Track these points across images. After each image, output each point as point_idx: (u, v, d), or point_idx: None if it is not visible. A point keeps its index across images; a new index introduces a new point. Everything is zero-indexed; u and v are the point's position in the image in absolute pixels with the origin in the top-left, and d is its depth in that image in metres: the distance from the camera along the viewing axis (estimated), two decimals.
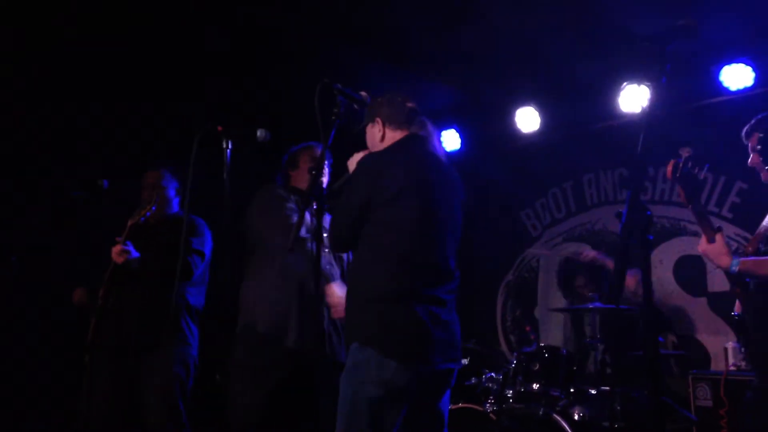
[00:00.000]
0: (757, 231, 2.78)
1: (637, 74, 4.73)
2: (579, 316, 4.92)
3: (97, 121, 4.77)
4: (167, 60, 4.59)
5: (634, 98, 4.82)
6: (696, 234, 4.68)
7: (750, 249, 2.72)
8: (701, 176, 2.60)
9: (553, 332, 5.48)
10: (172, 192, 3.83)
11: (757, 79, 4.50)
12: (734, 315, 2.80)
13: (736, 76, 4.54)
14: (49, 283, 4.45)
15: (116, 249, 3.43)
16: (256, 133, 2.95)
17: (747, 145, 2.87)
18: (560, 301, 5.52)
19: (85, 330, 3.62)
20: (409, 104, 2.75)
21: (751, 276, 2.63)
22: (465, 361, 4.42)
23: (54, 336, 4.49)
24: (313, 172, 2.32)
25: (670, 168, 2.56)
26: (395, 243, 2.46)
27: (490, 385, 4.12)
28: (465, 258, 2.90)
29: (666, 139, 2.62)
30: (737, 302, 2.88)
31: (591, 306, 4.08)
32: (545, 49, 4.66)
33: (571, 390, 3.89)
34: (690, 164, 2.54)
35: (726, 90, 4.61)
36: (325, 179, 3.24)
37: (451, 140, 5.88)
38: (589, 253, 4.70)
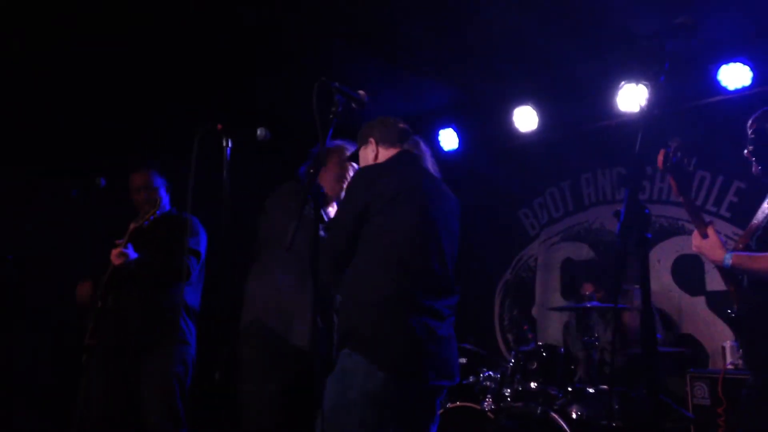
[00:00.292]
0: (748, 227, 2.78)
1: (635, 73, 4.74)
2: (577, 314, 4.93)
3: (95, 119, 4.77)
4: (167, 59, 4.59)
5: (632, 97, 4.82)
6: None
7: (740, 245, 2.73)
8: (690, 168, 2.60)
9: (551, 331, 5.48)
10: (162, 191, 3.84)
11: (754, 78, 4.51)
12: (730, 312, 2.80)
13: (734, 76, 4.54)
14: (46, 282, 4.45)
15: (115, 251, 3.43)
16: (256, 132, 2.95)
17: (748, 132, 2.88)
18: (559, 301, 5.53)
19: (83, 330, 3.63)
20: (401, 125, 2.78)
21: (743, 270, 2.63)
22: (463, 360, 4.42)
23: (51, 336, 4.49)
24: (311, 171, 2.31)
25: (660, 158, 2.56)
26: (391, 248, 2.43)
27: (488, 383, 4.12)
28: (463, 257, 2.89)
29: (663, 139, 2.62)
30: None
31: (589, 305, 4.09)
32: (543, 49, 4.67)
33: (569, 389, 3.90)
34: (679, 154, 2.54)
35: (724, 89, 4.61)
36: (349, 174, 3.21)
37: (449, 139, 5.89)
38: None
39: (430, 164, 2.78)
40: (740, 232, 3.59)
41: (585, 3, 4.15)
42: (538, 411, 3.78)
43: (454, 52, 4.82)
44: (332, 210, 3.27)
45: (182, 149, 3.03)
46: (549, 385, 3.93)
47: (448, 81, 5.31)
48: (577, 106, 5.32)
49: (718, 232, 2.71)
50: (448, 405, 4.09)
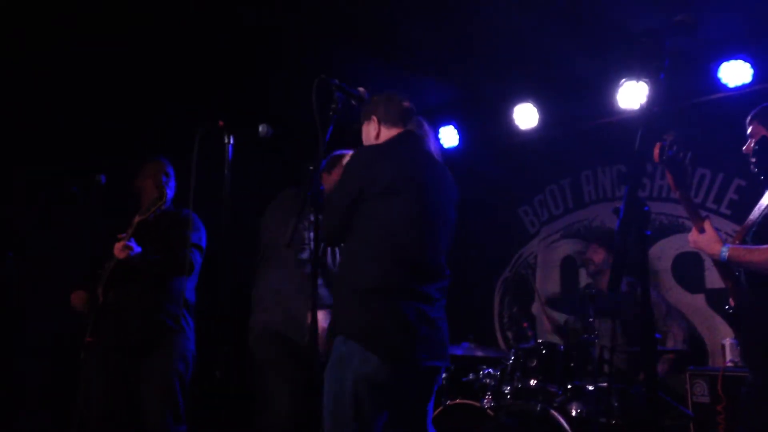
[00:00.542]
0: (744, 224, 2.79)
1: (635, 71, 4.73)
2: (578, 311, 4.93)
3: (96, 118, 4.77)
4: (167, 59, 4.59)
5: (632, 95, 4.82)
6: None
7: (736, 241, 2.73)
8: (687, 161, 2.60)
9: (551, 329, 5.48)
10: (171, 184, 3.84)
11: (755, 75, 4.50)
12: (727, 309, 2.80)
13: (735, 73, 4.54)
14: (45, 278, 4.45)
15: (119, 245, 3.41)
16: (258, 129, 2.95)
17: (747, 130, 2.88)
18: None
19: (83, 327, 3.62)
20: (406, 103, 2.75)
21: (739, 263, 2.63)
22: (465, 347, 4.40)
23: (51, 333, 4.49)
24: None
25: (656, 151, 2.56)
26: (385, 236, 2.45)
27: (488, 381, 4.13)
28: (462, 254, 2.91)
29: (676, 132, 2.61)
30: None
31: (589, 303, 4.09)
32: (544, 46, 4.66)
33: (569, 386, 3.90)
34: (675, 147, 2.54)
35: (724, 87, 4.61)
36: None
37: (449, 137, 5.88)
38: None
39: (433, 145, 2.75)
40: (740, 229, 3.59)
41: (585, 0, 4.15)
42: (538, 408, 3.79)
43: (454, 50, 4.82)
44: None
45: (183, 148, 3.03)
46: (548, 382, 3.94)
47: (448, 79, 5.30)
48: (578, 104, 5.32)
49: (717, 229, 2.71)
50: (448, 402, 4.10)
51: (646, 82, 4.66)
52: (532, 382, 3.96)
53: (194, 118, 3.01)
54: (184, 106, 4.72)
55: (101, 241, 3.84)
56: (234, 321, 3.35)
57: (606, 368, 4.05)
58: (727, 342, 4.08)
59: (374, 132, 2.73)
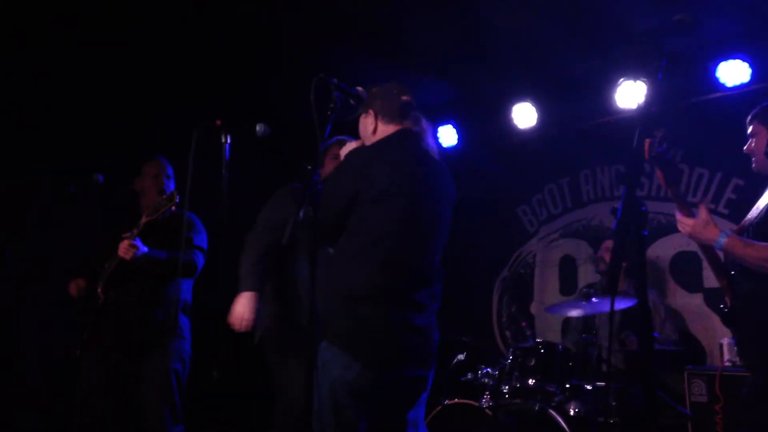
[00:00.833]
0: (741, 223, 2.78)
1: (633, 70, 4.74)
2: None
3: (95, 116, 4.77)
4: (166, 56, 4.59)
5: (630, 94, 4.82)
6: None
7: None
8: (677, 159, 2.58)
9: (549, 328, 5.49)
10: (173, 185, 3.84)
11: (753, 75, 4.50)
12: (722, 308, 2.79)
13: (733, 73, 4.54)
14: (43, 277, 4.45)
15: (124, 244, 3.40)
16: (255, 128, 2.95)
17: (748, 129, 2.87)
18: (557, 297, 5.53)
19: (81, 326, 3.62)
20: (405, 97, 2.68)
21: (734, 254, 2.60)
22: (461, 356, 4.43)
23: (49, 331, 4.49)
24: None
25: (646, 147, 2.55)
26: (376, 242, 2.41)
27: (486, 380, 4.13)
28: (461, 254, 2.91)
29: (666, 129, 2.61)
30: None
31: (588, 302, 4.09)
32: (542, 45, 4.67)
33: (567, 385, 3.90)
34: (665, 145, 2.52)
35: (722, 86, 4.61)
36: None
37: (448, 136, 5.88)
38: None
39: (431, 142, 2.70)
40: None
41: (584, 0, 4.15)
42: (536, 408, 3.79)
43: (453, 50, 4.82)
44: None
45: (181, 147, 3.03)
46: (547, 381, 3.94)
47: (447, 78, 5.31)
48: (576, 104, 5.32)
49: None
50: (446, 402, 4.10)
51: (644, 81, 4.67)
52: (531, 382, 3.96)
53: (193, 117, 3.01)
54: (183, 106, 4.73)
55: (99, 240, 3.84)
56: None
57: (604, 367, 4.05)
58: (725, 342, 4.09)
59: (371, 126, 2.67)
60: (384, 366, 2.39)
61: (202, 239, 3.73)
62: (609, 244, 4.84)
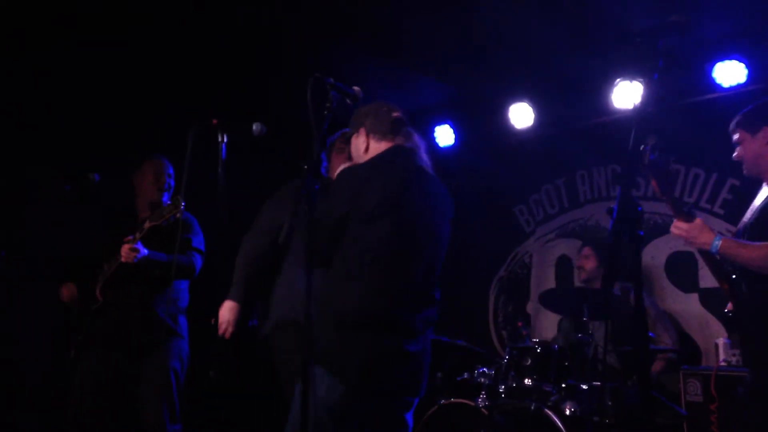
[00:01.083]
0: (737, 228, 2.80)
1: (630, 71, 4.74)
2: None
3: (93, 115, 4.76)
4: (163, 55, 4.58)
5: (627, 95, 4.83)
6: None
7: None
8: (669, 165, 2.60)
9: (546, 328, 5.50)
10: (173, 183, 3.83)
11: (749, 75, 4.51)
12: (727, 312, 2.80)
13: (729, 73, 4.54)
14: (39, 278, 4.44)
15: (125, 249, 3.39)
16: (251, 127, 2.95)
17: (732, 138, 2.90)
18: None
19: (78, 327, 3.62)
20: (395, 114, 2.66)
21: (730, 256, 2.62)
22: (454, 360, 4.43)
23: (44, 331, 4.48)
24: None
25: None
26: (369, 264, 2.37)
27: (482, 380, 4.13)
28: (458, 254, 2.90)
29: (658, 136, 2.62)
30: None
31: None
32: (539, 45, 4.67)
33: (563, 385, 3.91)
34: (657, 153, 2.54)
35: (719, 87, 4.61)
36: None
37: (445, 136, 5.89)
38: None
39: (424, 157, 2.66)
40: (733, 228, 3.63)
41: (581, 1, 4.15)
42: (532, 407, 3.79)
43: (451, 50, 4.82)
44: None
45: (179, 147, 3.03)
46: (543, 381, 3.94)
47: (445, 78, 5.31)
48: (573, 104, 5.32)
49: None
50: (442, 401, 4.10)
51: (640, 82, 4.67)
52: (527, 381, 3.96)
53: (190, 116, 3.01)
54: (180, 105, 4.71)
55: (97, 239, 3.84)
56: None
57: (600, 367, 4.06)
58: (720, 341, 4.10)
59: (363, 145, 2.65)
60: (368, 391, 2.36)
61: (200, 241, 3.74)
62: (587, 251, 4.84)
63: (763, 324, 2.61)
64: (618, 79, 4.83)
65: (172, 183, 3.82)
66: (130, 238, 3.42)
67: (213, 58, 4.66)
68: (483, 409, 3.90)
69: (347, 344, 2.33)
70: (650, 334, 4.31)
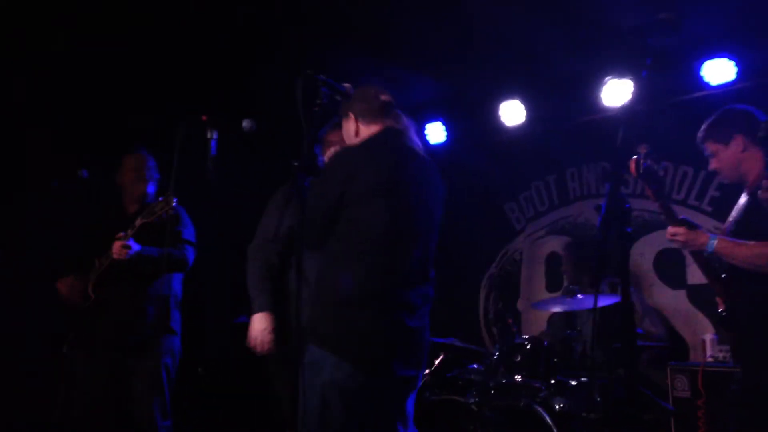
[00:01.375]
0: (724, 225, 2.83)
1: (620, 68, 4.76)
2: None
3: (77, 110, 4.73)
4: (151, 51, 4.56)
5: (617, 92, 4.85)
6: None
7: None
8: (660, 172, 2.65)
9: (536, 324, 5.52)
10: (156, 175, 3.82)
11: (738, 73, 4.53)
12: (720, 312, 2.82)
13: (718, 71, 4.56)
14: (27, 275, 4.42)
15: (117, 246, 3.39)
16: (241, 124, 2.94)
17: (705, 151, 2.93)
18: (544, 294, 5.56)
19: (70, 323, 3.61)
20: (383, 97, 2.67)
21: (725, 256, 2.65)
22: (445, 356, 4.44)
23: (34, 328, 4.46)
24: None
25: (633, 165, 2.60)
26: (364, 243, 2.41)
27: (473, 376, 4.15)
28: (448, 251, 2.91)
29: (647, 134, 2.65)
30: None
31: (573, 299, 4.12)
32: (531, 44, 4.68)
33: (552, 381, 3.93)
34: (649, 161, 2.58)
35: (707, 85, 4.64)
36: None
37: (436, 133, 5.90)
38: None
39: (415, 139, 2.68)
40: (721, 225, 3.67)
41: None
42: (522, 404, 3.81)
43: (442, 47, 4.83)
44: None
45: (170, 143, 3.02)
46: (532, 377, 3.96)
47: (436, 75, 5.31)
48: (564, 101, 5.34)
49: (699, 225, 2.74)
50: (433, 398, 4.11)
51: (630, 79, 4.70)
52: (517, 378, 3.98)
53: (181, 113, 3.00)
54: (172, 102, 4.69)
55: (87, 235, 3.82)
56: (218, 317, 3.35)
57: (589, 363, 4.08)
58: (708, 337, 4.13)
59: (353, 129, 2.67)
60: (374, 367, 2.39)
61: (190, 232, 3.74)
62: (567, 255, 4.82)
63: (755, 322, 2.64)
64: (608, 77, 4.85)
65: (155, 174, 3.81)
66: (122, 234, 3.41)
67: (204, 55, 4.65)
68: (473, 406, 3.91)
69: (348, 324, 2.37)
70: (638, 330, 4.34)
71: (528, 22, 4.42)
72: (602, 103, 4.98)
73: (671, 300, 4.89)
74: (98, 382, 3.51)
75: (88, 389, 3.51)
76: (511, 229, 5.91)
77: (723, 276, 2.77)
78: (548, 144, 5.58)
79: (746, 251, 2.59)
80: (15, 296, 4.52)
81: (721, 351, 4.01)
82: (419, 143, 2.69)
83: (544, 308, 4.90)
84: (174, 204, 3.34)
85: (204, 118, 2.92)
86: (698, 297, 4.69)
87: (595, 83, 4.98)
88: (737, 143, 2.81)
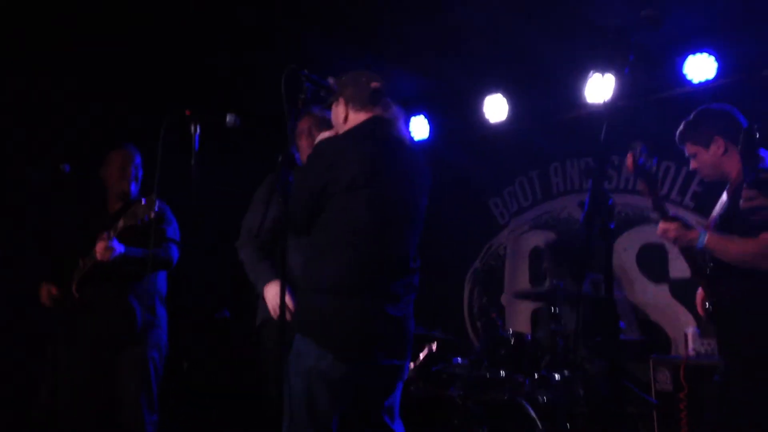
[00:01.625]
0: (708, 219, 2.85)
1: (602, 64, 4.78)
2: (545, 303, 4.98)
3: (59, 104, 4.68)
4: (134, 45, 4.52)
5: (600, 88, 4.88)
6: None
7: None
8: (654, 168, 2.67)
9: (520, 319, 5.55)
10: (141, 173, 3.78)
11: (719, 70, 4.57)
12: (707, 307, 2.84)
13: (699, 68, 4.59)
14: (9, 272, 4.37)
15: (101, 247, 3.35)
16: (225, 118, 2.93)
17: (685, 152, 2.95)
18: (528, 289, 5.58)
19: (53, 321, 3.58)
20: (374, 84, 2.65)
21: (715, 251, 2.67)
22: (431, 347, 4.45)
23: (16, 327, 4.41)
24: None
25: (630, 160, 2.62)
26: (348, 234, 2.42)
27: (457, 370, 4.17)
28: (433, 246, 2.91)
29: (630, 130, 2.67)
30: (699, 290, 2.93)
31: (556, 293, 4.14)
32: (514, 38, 4.69)
33: (536, 375, 3.96)
34: (643, 156, 2.61)
35: (689, 82, 4.67)
36: None
37: (420, 128, 5.90)
38: None
39: (403, 128, 2.68)
40: (703, 221, 3.71)
41: None
42: (506, 397, 3.84)
43: (426, 42, 4.83)
44: None
45: (153, 138, 3.00)
46: (516, 371, 3.99)
47: (419, 70, 5.31)
48: (547, 97, 5.37)
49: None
50: (417, 392, 4.13)
51: (612, 75, 4.71)
52: (501, 372, 4.01)
53: (165, 107, 2.98)
54: (155, 96, 4.67)
55: (71, 233, 3.78)
56: (201, 312, 3.33)
57: (572, 358, 4.11)
58: (690, 331, 4.18)
59: (342, 115, 2.65)
60: (357, 357, 2.41)
61: (174, 229, 3.71)
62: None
63: (738, 315, 2.67)
64: (591, 72, 4.87)
65: (140, 173, 3.77)
66: (105, 235, 3.37)
67: (185, 50, 4.61)
68: (457, 399, 3.93)
69: (331, 314, 2.39)
70: (621, 324, 4.38)
71: (512, 18, 4.43)
72: (585, 99, 5.00)
73: (654, 294, 4.94)
74: (83, 380, 3.49)
75: (73, 387, 3.48)
76: (495, 224, 5.93)
77: (708, 271, 2.79)
78: (531, 139, 5.60)
79: (736, 247, 2.62)
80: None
81: (703, 345, 4.06)
82: (407, 133, 2.69)
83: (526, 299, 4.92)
84: (156, 208, 3.29)
85: (188, 112, 2.90)
86: (681, 291, 4.73)
87: (579, 79, 5.01)
88: (717, 146, 2.82)
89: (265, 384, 3.10)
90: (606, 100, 4.27)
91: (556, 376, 3.89)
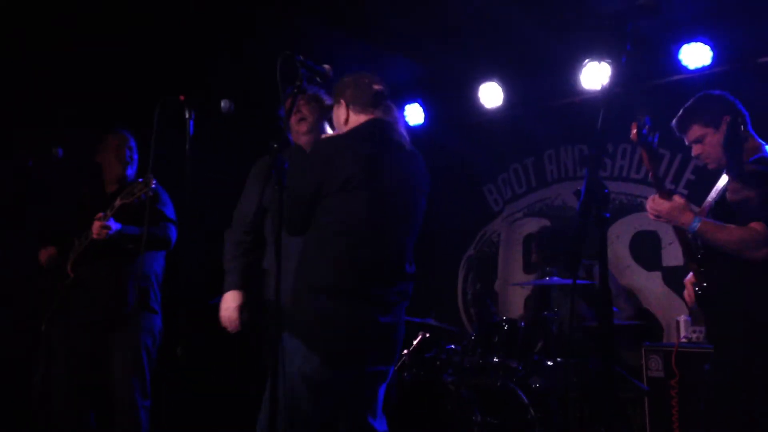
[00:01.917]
0: (703, 205, 2.85)
1: (599, 51, 4.78)
2: (538, 289, 5.01)
3: (53, 87, 4.64)
4: (129, 29, 4.47)
5: (595, 75, 4.87)
6: None
7: None
8: (656, 142, 2.66)
9: (513, 305, 5.57)
10: (136, 156, 3.79)
11: (714, 58, 4.56)
12: (697, 290, 2.85)
13: (695, 55, 4.59)
14: (5, 253, 4.35)
15: (96, 225, 3.35)
16: (220, 104, 2.91)
17: (688, 137, 2.93)
18: (521, 276, 5.61)
19: (49, 302, 3.58)
20: (376, 86, 2.64)
21: (707, 238, 2.68)
22: (425, 335, 4.47)
23: (11, 307, 4.41)
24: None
25: (634, 130, 2.61)
26: (342, 235, 2.41)
27: (450, 357, 4.19)
28: (427, 233, 2.91)
29: (625, 117, 2.66)
30: (689, 275, 2.95)
31: (549, 280, 4.16)
32: (509, 25, 4.67)
33: (529, 361, 3.98)
34: (647, 127, 2.60)
35: (684, 69, 4.67)
36: None
37: (415, 114, 5.88)
38: None
39: (402, 132, 2.66)
40: (697, 209, 3.72)
41: None
42: (499, 383, 3.86)
43: (421, 28, 4.80)
44: None
45: (147, 123, 2.98)
46: (509, 357, 4.01)
47: (414, 56, 5.29)
48: (542, 84, 5.36)
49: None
50: (410, 378, 4.15)
51: (608, 63, 4.71)
52: (494, 358, 4.03)
53: (159, 92, 2.96)
54: (150, 81, 4.63)
55: (66, 214, 3.78)
56: (195, 299, 3.33)
57: (565, 344, 4.14)
58: (682, 318, 4.21)
59: (343, 116, 2.65)
60: (343, 363, 2.41)
61: (171, 211, 3.72)
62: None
63: (728, 302, 2.68)
64: (586, 60, 4.86)
65: (135, 156, 3.77)
66: (101, 215, 3.37)
67: (181, 34, 4.57)
68: (450, 385, 3.95)
69: (321, 316, 2.38)
70: (614, 309, 4.40)
71: (507, 4, 4.40)
72: (581, 86, 5.00)
73: (646, 282, 4.96)
74: (76, 361, 3.50)
75: (66, 368, 3.49)
76: (489, 211, 5.94)
77: (699, 256, 2.80)
78: (526, 126, 5.60)
79: (727, 236, 2.62)
80: None
81: (694, 332, 4.09)
82: (406, 136, 2.66)
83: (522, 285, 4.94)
84: (153, 185, 3.28)
85: (182, 98, 2.88)
86: (673, 279, 4.76)
87: (574, 66, 5.00)
88: (727, 125, 2.81)
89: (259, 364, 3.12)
90: (602, 87, 4.27)
91: (549, 363, 3.92)
